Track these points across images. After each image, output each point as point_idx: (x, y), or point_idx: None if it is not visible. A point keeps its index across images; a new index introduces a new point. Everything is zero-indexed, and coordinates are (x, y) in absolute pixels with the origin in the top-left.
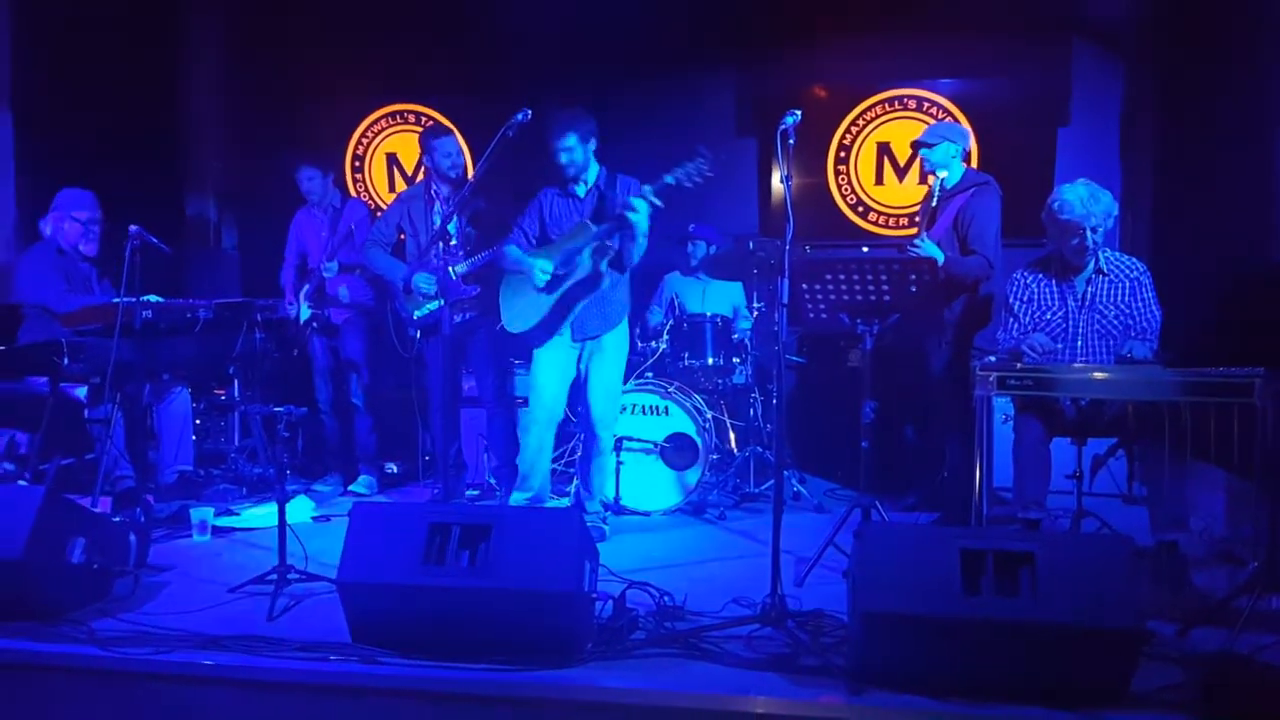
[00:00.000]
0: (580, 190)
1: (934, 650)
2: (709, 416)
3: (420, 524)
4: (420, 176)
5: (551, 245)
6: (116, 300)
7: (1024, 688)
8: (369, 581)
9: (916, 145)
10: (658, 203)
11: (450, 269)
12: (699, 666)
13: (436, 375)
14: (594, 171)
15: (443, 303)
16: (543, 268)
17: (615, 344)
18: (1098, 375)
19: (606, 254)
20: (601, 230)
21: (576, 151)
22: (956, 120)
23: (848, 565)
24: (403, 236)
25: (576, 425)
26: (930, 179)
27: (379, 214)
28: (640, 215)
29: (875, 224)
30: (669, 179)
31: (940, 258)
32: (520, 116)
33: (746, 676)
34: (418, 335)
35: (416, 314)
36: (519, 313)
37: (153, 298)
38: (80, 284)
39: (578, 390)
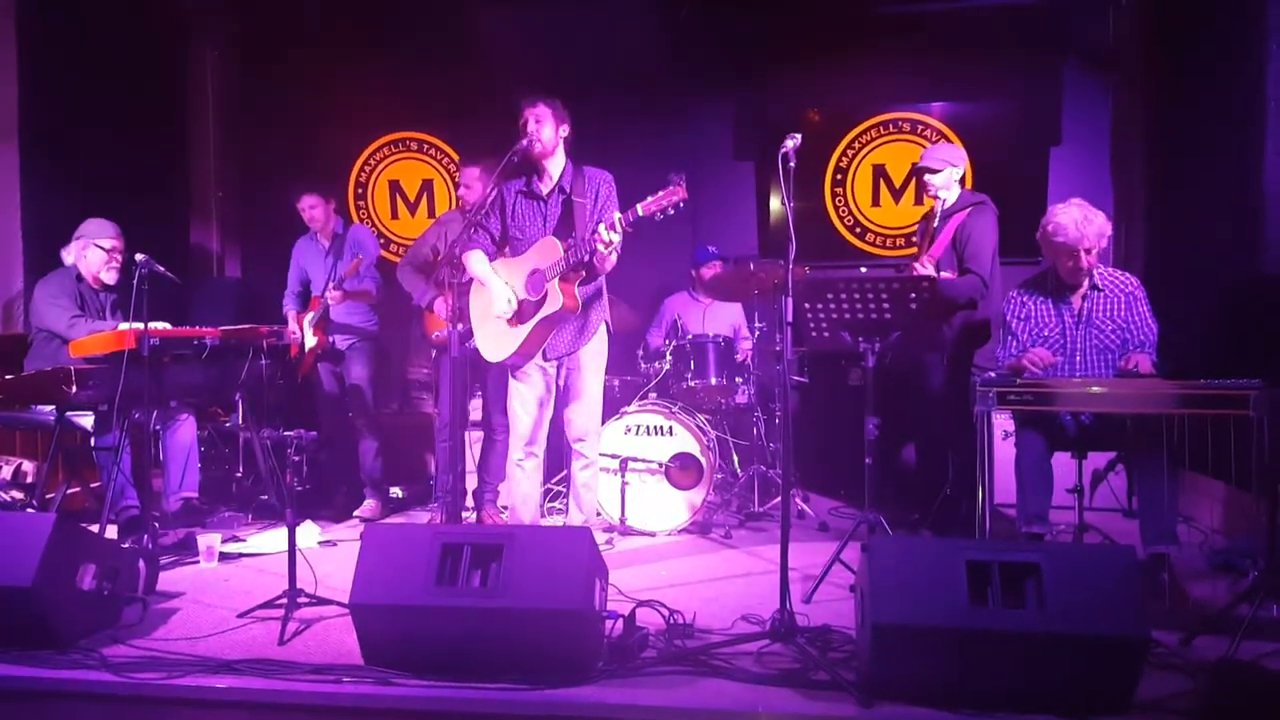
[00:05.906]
0: (544, 188)
1: (942, 662)
2: (713, 436)
3: (432, 545)
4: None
5: (515, 260)
6: (124, 326)
7: (1031, 698)
8: (382, 603)
9: (920, 171)
10: (627, 230)
11: None
12: (710, 683)
13: (445, 397)
14: (560, 165)
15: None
16: (507, 298)
17: (593, 354)
18: (1096, 389)
19: (575, 282)
20: (567, 256)
21: (546, 127)
22: (951, 142)
23: (855, 579)
24: (436, 258)
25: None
26: (931, 200)
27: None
28: (610, 247)
29: (872, 245)
30: (640, 210)
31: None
32: (525, 143)
33: (757, 692)
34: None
35: (435, 334)
36: (493, 341)
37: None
38: (96, 312)
39: (557, 409)
